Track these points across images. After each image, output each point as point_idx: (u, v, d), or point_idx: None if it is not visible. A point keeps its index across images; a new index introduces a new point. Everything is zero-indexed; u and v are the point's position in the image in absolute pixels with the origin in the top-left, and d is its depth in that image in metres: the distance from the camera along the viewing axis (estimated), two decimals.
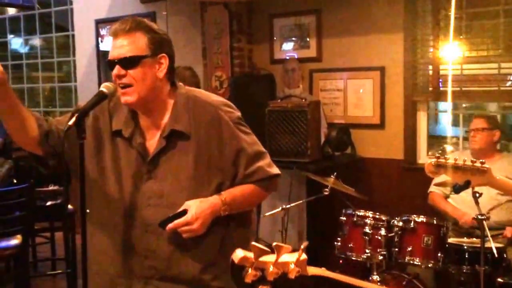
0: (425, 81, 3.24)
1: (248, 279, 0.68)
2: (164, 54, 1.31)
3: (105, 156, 1.34)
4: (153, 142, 1.33)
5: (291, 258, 0.69)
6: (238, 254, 0.70)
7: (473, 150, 2.70)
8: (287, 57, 3.60)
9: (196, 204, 1.26)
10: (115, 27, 1.30)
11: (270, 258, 0.69)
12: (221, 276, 1.32)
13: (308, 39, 3.56)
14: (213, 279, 1.32)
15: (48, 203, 3.15)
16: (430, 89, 3.21)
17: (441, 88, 3.17)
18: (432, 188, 2.76)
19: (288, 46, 3.66)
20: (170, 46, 1.35)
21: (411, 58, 3.20)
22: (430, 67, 3.21)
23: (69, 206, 3.25)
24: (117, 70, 1.27)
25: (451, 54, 3.12)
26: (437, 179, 2.60)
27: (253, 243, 0.79)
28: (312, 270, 0.69)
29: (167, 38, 1.35)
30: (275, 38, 3.69)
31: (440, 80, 3.16)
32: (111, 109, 1.36)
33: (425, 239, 2.32)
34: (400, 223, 2.36)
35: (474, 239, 2.38)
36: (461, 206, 2.59)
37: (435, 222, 2.36)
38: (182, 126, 1.31)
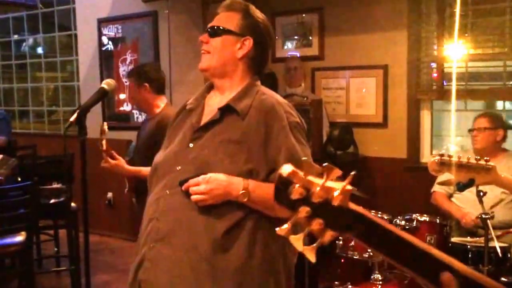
0: (429, 79, 3.21)
1: (295, 196, 0.61)
2: (250, 38, 1.34)
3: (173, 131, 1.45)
4: (209, 116, 1.36)
5: (337, 185, 0.63)
6: (287, 168, 0.62)
7: (475, 149, 2.66)
8: (289, 56, 3.58)
9: (215, 173, 1.25)
10: (222, 3, 1.38)
11: (317, 179, 0.62)
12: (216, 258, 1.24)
13: (310, 38, 3.55)
14: (213, 256, 1.25)
15: (52, 201, 3.17)
16: (434, 87, 3.19)
17: (445, 86, 3.14)
18: (436, 188, 2.73)
19: (290, 44, 3.65)
20: (263, 36, 1.37)
21: (415, 56, 3.18)
22: (434, 65, 3.19)
23: (72, 204, 3.26)
24: (202, 36, 1.37)
25: (456, 51, 3.09)
26: (440, 178, 2.58)
27: (304, 158, 0.73)
28: (352, 205, 0.63)
29: (264, 28, 1.37)
30: (277, 37, 3.68)
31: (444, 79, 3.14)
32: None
33: (428, 238, 2.30)
34: (403, 222, 2.35)
35: (478, 238, 2.36)
36: (465, 205, 2.57)
37: (438, 221, 2.35)
38: (240, 106, 1.32)
